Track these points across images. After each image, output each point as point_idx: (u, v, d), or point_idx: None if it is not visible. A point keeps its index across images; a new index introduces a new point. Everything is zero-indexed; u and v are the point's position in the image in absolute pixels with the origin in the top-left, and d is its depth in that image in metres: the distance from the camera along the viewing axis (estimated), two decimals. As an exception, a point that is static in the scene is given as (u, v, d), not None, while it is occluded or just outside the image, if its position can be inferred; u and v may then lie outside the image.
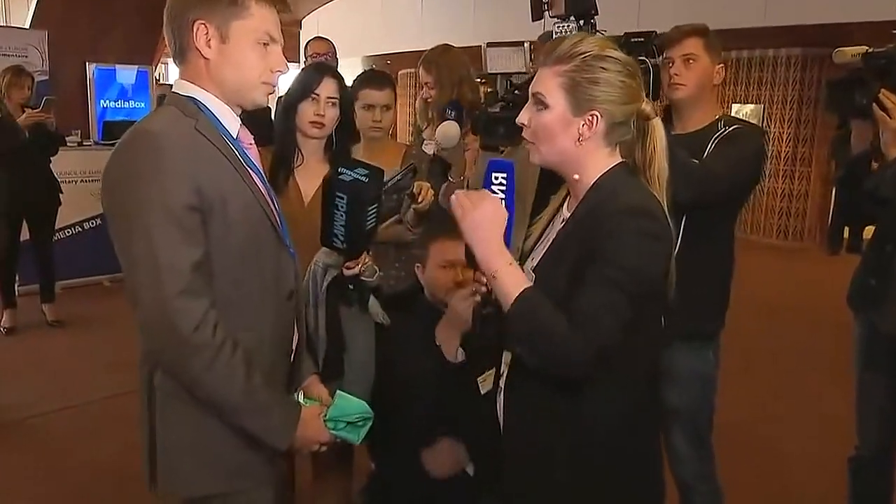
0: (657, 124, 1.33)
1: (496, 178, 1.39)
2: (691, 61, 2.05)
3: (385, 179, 1.77)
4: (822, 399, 3.72)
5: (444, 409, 1.91)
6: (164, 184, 1.22)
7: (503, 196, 1.38)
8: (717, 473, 2.21)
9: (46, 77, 6.05)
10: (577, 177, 1.33)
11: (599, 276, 1.21)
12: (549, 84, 1.29)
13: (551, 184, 2.00)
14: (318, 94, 2.05)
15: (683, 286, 2.03)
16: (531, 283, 1.26)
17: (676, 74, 2.06)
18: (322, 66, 2.23)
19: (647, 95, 2.04)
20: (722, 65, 2.12)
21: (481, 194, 1.29)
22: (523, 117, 1.35)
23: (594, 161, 1.32)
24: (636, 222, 1.23)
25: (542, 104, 1.30)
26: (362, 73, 2.60)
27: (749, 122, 2.40)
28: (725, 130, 2.04)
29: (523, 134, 1.36)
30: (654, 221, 1.25)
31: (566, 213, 1.40)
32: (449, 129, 2.23)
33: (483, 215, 1.26)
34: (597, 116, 1.28)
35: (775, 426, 3.60)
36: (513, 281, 1.24)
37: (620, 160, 1.34)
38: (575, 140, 1.29)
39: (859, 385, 2.15)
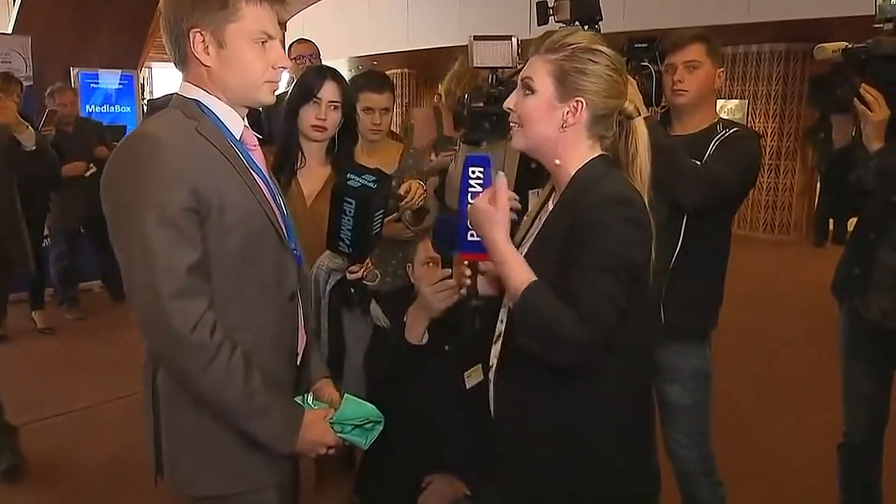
0: (639, 123, 1.37)
1: (473, 172, 1.43)
2: (694, 67, 2.08)
3: None
4: (811, 388, 3.77)
5: (428, 396, 1.95)
6: (160, 185, 1.23)
7: (481, 189, 1.42)
8: (717, 468, 2.24)
9: (31, 83, 6.01)
10: (558, 162, 1.36)
11: (593, 265, 1.22)
12: (538, 70, 1.33)
13: (529, 178, 2.02)
14: (319, 98, 2.04)
15: (684, 285, 2.07)
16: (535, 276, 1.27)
17: (679, 81, 2.08)
18: (323, 69, 2.21)
19: (650, 101, 2.06)
20: (722, 69, 2.15)
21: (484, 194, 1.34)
22: (510, 102, 1.38)
23: (575, 151, 1.35)
24: (618, 211, 1.26)
25: (529, 89, 1.34)
26: (361, 73, 2.57)
27: (744, 126, 2.44)
28: (725, 133, 2.08)
29: (510, 119, 1.39)
30: (635, 209, 1.29)
31: (551, 206, 1.43)
32: None
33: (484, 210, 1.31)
34: (581, 104, 1.31)
35: (764, 416, 3.65)
36: (521, 270, 1.26)
37: (600, 153, 1.37)
38: (559, 126, 1.33)
39: (845, 373, 2.18)
